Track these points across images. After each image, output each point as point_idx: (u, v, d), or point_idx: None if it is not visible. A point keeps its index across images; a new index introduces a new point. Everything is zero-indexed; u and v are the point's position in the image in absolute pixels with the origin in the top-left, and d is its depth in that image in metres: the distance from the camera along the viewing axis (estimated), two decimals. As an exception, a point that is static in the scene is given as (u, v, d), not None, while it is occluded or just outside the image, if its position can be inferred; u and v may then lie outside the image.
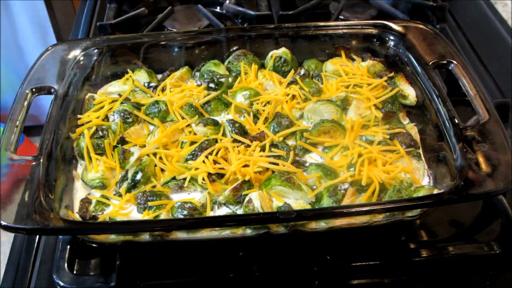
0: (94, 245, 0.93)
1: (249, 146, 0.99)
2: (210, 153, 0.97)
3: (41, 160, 0.88)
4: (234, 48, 1.21)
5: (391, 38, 1.16)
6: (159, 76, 1.20)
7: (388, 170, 0.95)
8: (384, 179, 0.92)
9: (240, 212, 0.92)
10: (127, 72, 1.17)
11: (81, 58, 1.11)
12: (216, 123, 1.05)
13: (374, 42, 1.20)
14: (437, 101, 0.99)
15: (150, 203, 0.90)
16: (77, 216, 0.91)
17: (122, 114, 1.06)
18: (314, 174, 0.94)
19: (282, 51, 1.19)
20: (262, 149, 1.00)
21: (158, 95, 1.12)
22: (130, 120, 1.06)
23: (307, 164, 0.98)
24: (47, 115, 0.98)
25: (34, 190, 0.82)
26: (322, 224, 0.86)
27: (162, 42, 1.19)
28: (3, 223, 0.77)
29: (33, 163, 0.87)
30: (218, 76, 1.14)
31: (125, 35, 1.29)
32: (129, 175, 0.96)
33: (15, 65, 2.37)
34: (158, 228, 0.84)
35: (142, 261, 0.93)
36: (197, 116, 1.08)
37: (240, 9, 1.48)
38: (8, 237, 2.24)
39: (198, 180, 0.94)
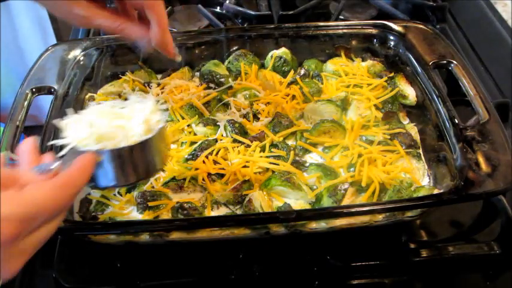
0: (94, 245, 0.93)
1: (249, 146, 0.99)
2: (210, 153, 0.97)
3: (41, 160, 0.88)
4: (234, 48, 1.21)
5: (391, 38, 1.16)
6: (159, 76, 1.20)
7: (388, 170, 0.95)
8: (384, 179, 0.92)
9: (240, 212, 0.92)
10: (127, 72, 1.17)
11: (81, 58, 1.11)
12: (216, 123, 1.05)
13: (374, 42, 1.20)
14: (437, 101, 0.99)
15: (150, 203, 0.90)
16: (77, 217, 0.91)
17: (122, 114, 1.06)
18: (314, 175, 0.94)
19: (282, 51, 1.19)
20: (262, 149, 1.00)
21: (158, 95, 1.12)
22: (130, 120, 1.06)
23: (307, 164, 0.98)
24: (47, 115, 0.98)
25: (34, 190, 0.82)
26: (322, 224, 0.86)
27: (162, 42, 1.19)
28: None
29: (33, 163, 0.87)
30: (218, 76, 1.14)
31: (125, 35, 1.29)
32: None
33: (15, 65, 2.36)
34: (158, 228, 0.84)
35: (142, 261, 0.93)
36: (197, 116, 1.08)
37: (240, 9, 1.48)
38: (8, 237, 2.23)
39: (198, 180, 0.94)
